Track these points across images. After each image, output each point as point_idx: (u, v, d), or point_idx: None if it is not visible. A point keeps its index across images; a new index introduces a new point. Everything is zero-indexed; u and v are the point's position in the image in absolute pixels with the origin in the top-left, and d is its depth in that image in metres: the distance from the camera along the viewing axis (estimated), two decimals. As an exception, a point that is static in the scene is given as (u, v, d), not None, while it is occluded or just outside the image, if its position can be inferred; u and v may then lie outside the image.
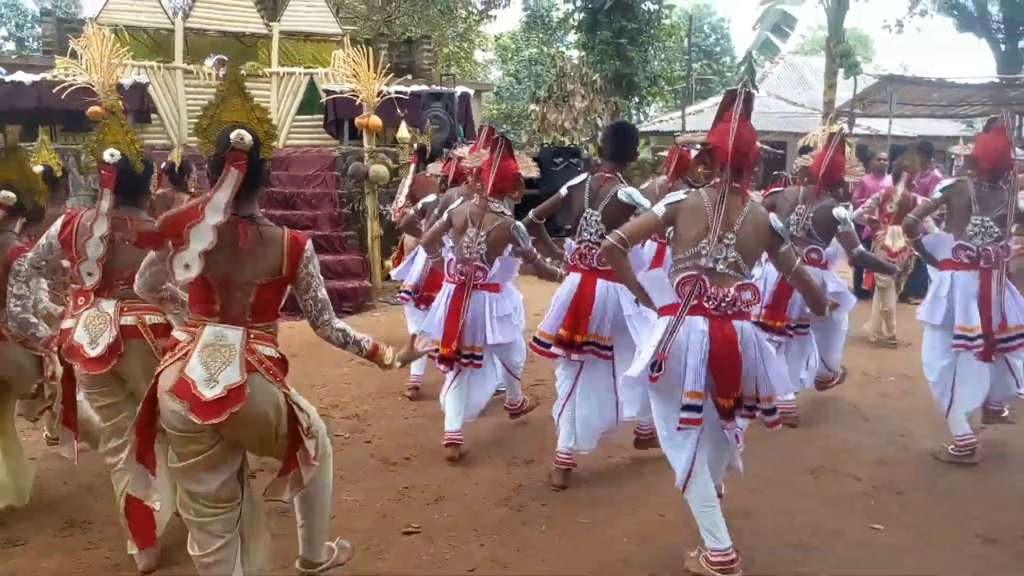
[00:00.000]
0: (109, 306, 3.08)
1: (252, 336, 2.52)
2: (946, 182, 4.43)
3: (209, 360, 2.41)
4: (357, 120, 10.77)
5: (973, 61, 56.55)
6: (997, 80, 17.48)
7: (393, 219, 9.37)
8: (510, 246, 4.28)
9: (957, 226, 4.28)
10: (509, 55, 32.85)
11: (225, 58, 12.09)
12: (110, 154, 3.07)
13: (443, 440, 4.29)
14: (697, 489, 3.02)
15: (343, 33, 12.90)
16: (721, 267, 2.96)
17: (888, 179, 8.70)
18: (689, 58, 20.86)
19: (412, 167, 6.96)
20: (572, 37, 26.07)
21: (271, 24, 12.63)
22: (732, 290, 2.94)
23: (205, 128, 2.55)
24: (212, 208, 2.36)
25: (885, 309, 7.11)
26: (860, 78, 14.86)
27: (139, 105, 10.74)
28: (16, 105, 9.88)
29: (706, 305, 2.92)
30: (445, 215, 4.52)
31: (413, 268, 5.69)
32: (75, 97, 9.05)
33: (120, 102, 8.48)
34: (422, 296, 5.49)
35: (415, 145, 8.51)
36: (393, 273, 6.29)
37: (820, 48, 20.21)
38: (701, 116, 21.33)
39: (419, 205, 5.62)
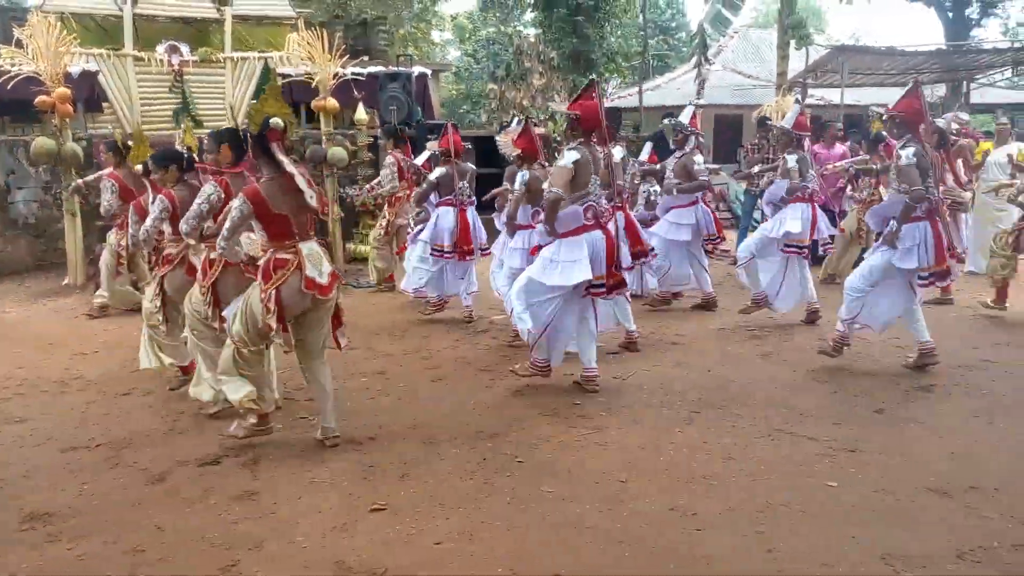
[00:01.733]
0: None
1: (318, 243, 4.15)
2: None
3: (313, 263, 4.00)
4: (314, 103, 10.68)
5: (922, 29, 57.25)
6: (945, 47, 17.81)
7: (357, 201, 9.45)
8: None
9: None
10: (467, 35, 32.57)
11: (177, 44, 11.88)
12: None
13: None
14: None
15: (297, 16, 12.71)
16: (599, 194, 4.96)
17: (840, 148, 8.87)
18: (645, 34, 20.90)
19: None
20: (529, 16, 25.96)
21: (223, 8, 12.37)
22: (606, 207, 5.00)
23: (253, 116, 4.06)
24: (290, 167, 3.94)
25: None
26: (812, 49, 15.05)
27: (89, 93, 10.52)
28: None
29: (601, 221, 4.91)
30: (520, 185, 5.75)
31: (438, 229, 6.98)
32: (22, 87, 8.85)
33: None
34: (462, 250, 6.93)
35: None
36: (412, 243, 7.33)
37: (774, 21, 20.38)
38: (658, 92, 21.44)
39: (433, 177, 7.08)
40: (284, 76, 11.30)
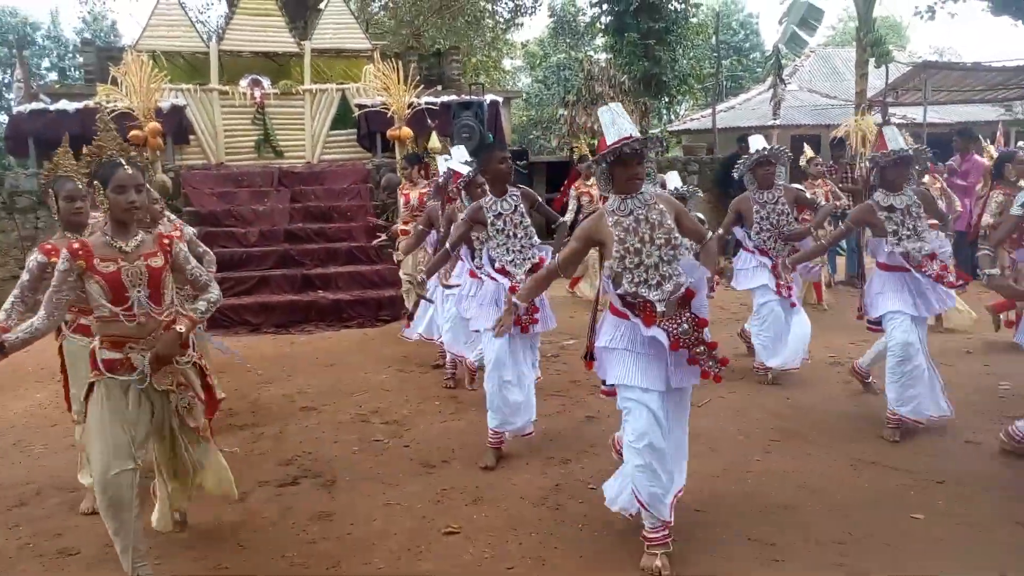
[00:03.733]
0: None
1: None
2: None
3: None
4: (389, 132, 10.96)
5: (1009, 44, 55.00)
6: (1036, 62, 17.06)
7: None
8: None
9: None
10: (537, 61, 32.90)
11: (259, 78, 12.39)
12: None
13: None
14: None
15: (372, 48, 13.11)
16: None
17: None
18: (718, 55, 20.73)
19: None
20: (600, 40, 26.03)
21: (302, 43, 12.88)
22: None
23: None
24: None
25: None
26: (892, 66, 14.63)
27: (177, 127, 11.03)
28: (60, 133, 10.14)
29: None
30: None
31: None
32: (117, 122, 9.34)
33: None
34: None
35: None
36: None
37: (851, 39, 19.93)
38: (733, 112, 21.18)
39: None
40: (361, 106, 11.65)
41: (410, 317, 6.03)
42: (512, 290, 4.08)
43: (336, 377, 6.42)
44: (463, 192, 5.12)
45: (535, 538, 3.45)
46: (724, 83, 26.60)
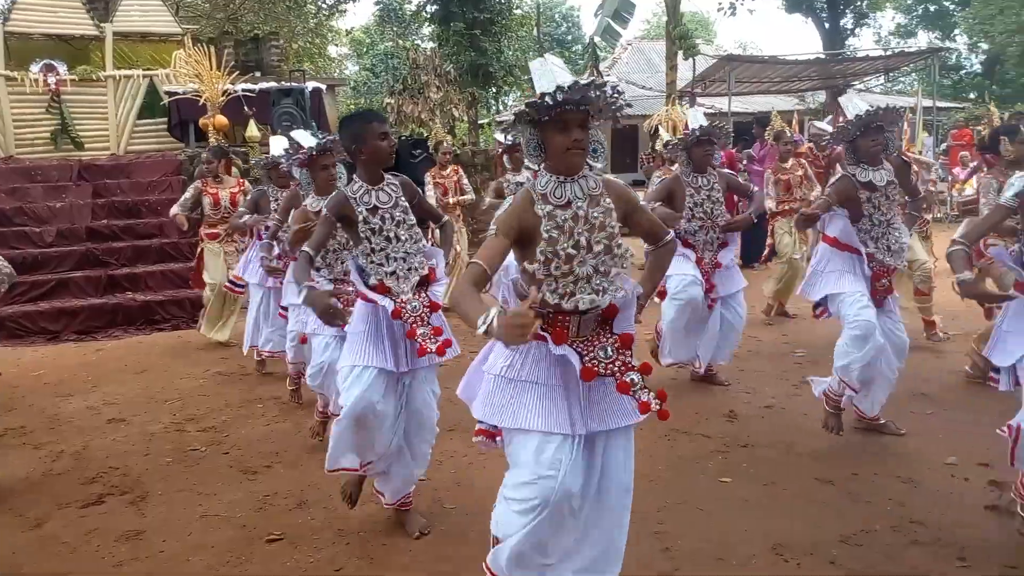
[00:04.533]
0: None
1: None
2: None
3: None
4: (201, 121, 10.38)
5: (802, 40, 60.28)
6: (823, 56, 18.79)
7: None
8: None
9: None
10: (364, 49, 32.32)
11: (53, 63, 11.31)
12: None
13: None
14: None
15: (183, 32, 12.34)
16: None
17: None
18: (540, 47, 21.21)
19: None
20: (427, 30, 25.94)
21: (103, 25, 11.90)
22: None
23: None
24: None
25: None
26: (700, 59, 15.57)
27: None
28: None
29: None
30: None
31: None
32: None
33: None
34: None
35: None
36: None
37: (664, 33, 21.04)
38: (557, 103, 21.76)
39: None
40: (171, 94, 10.95)
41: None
42: (397, 314, 3.14)
43: (147, 384, 6.00)
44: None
45: (363, 538, 3.37)
46: (549, 74, 27.09)
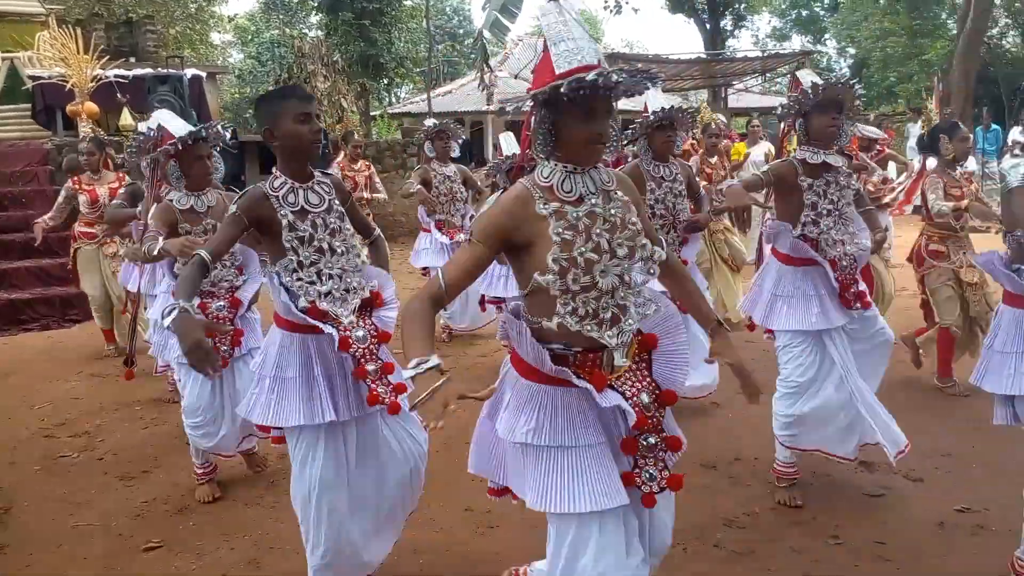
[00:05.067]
0: None
1: None
2: None
3: None
4: (69, 108, 9.77)
5: (685, 40, 62.49)
6: (704, 56, 19.50)
7: None
8: None
9: None
10: (249, 37, 31.20)
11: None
12: None
13: None
14: None
15: (47, 13, 11.60)
16: None
17: None
18: (430, 39, 21.07)
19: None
20: (314, 19, 25.31)
21: (-46, 3, 11.04)
22: None
23: None
24: None
25: None
26: (589, 57, 15.82)
27: None
28: None
29: None
30: None
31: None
32: None
33: None
34: None
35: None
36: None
37: (554, 29, 21.22)
38: (449, 97, 21.71)
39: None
40: (35, 78, 10.28)
41: (129, 361, 4.42)
42: (344, 344, 2.49)
43: (13, 389, 5.61)
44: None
45: (248, 541, 3.27)
46: (441, 67, 27.13)
